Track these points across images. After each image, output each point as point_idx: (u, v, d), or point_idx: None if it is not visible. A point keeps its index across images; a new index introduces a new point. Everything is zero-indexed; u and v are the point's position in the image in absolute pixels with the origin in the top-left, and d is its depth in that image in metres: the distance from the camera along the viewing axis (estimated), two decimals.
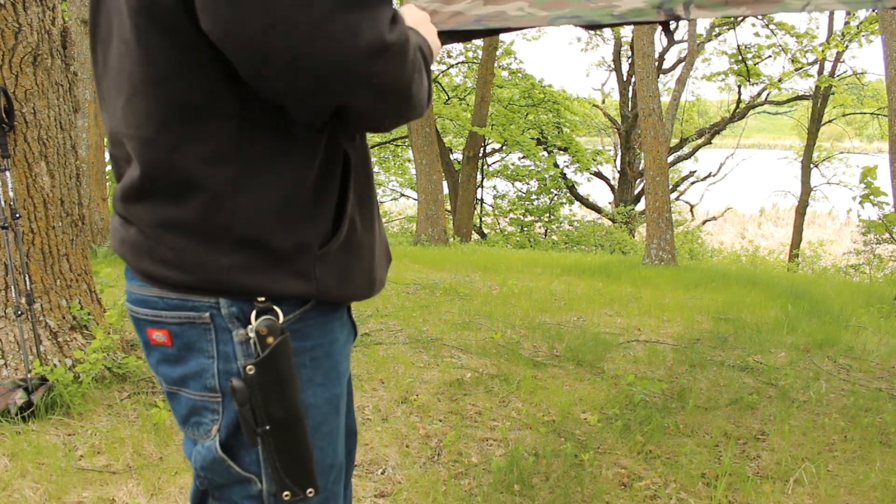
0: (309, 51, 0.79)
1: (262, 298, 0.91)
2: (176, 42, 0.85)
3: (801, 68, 16.02)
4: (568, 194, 19.18)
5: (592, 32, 18.86)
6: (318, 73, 0.81)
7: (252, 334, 0.90)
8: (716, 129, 18.76)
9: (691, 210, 20.74)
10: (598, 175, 20.01)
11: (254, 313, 0.91)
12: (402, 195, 21.17)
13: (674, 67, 18.99)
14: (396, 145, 19.90)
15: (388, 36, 0.82)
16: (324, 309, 0.98)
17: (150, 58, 0.87)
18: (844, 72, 17.12)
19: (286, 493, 0.95)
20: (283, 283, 0.92)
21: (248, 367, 0.90)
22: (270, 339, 0.90)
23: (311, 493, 0.96)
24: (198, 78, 0.86)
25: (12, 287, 2.81)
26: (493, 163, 19.81)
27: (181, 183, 0.89)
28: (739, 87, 17.52)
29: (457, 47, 17.69)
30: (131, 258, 0.96)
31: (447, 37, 1.39)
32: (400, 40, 0.84)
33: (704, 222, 20.46)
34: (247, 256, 0.90)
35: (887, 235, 7.13)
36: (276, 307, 0.92)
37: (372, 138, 18.39)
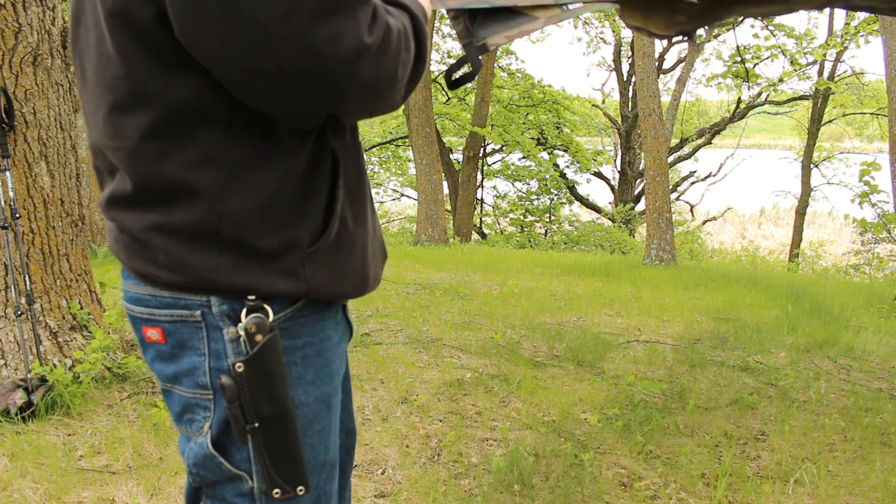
0: (293, 64, 0.80)
1: (253, 297, 0.92)
2: (157, 55, 0.85)
3: (799, 69, 16.02)
4: (568, 194, 19.18)
5: (594, 33, 18.84)
6: (304, 84, 0.82)
7: (242, 332, 0.91)
8: (716, 130, 18.76)
9: (691, 210, 20.74)
10: (599, 175, 20.01)
11: (244, 311, 0.92)
12: (403, 195, 21.18)
13: (674, 67, 18.99)
14: (396, 145, 19.90)
15: (367, 38, 0.83)
16: (316, 307, 0.99)
17: (132, 71, 0.87)
18: (844, 72, 17.12)
19: (276, 490, 0.95)
20: (273, 282, 0.92)
21: (237, 364, 0.90)
22: (259, 337, 0.91)
23: (301, 491, 0.97)
24: (182, 88, 0.86)
25: (12, 287, 2.81)
26: (494, 163, 19.82)
27: (169, 189, 0.89)
28: (741, 87, 17.52)
29: (456, 47, 17.68)
30: (125, 258, 0.97)
31: (504, 23, 1.32)
32: (380, 37, 0.85)
33: (704, 222, 20.48)
34: (236, 257, 0.91)
35: (886, 235, 7.11)
36: (266, 305, 0.93)
37: (372, 139, 18.40)
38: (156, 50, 0.85)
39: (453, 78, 1.26)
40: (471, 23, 1.28)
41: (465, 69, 1.26)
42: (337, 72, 0.82)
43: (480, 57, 1.28)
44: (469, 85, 18.09)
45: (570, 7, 1.37)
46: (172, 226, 0.90)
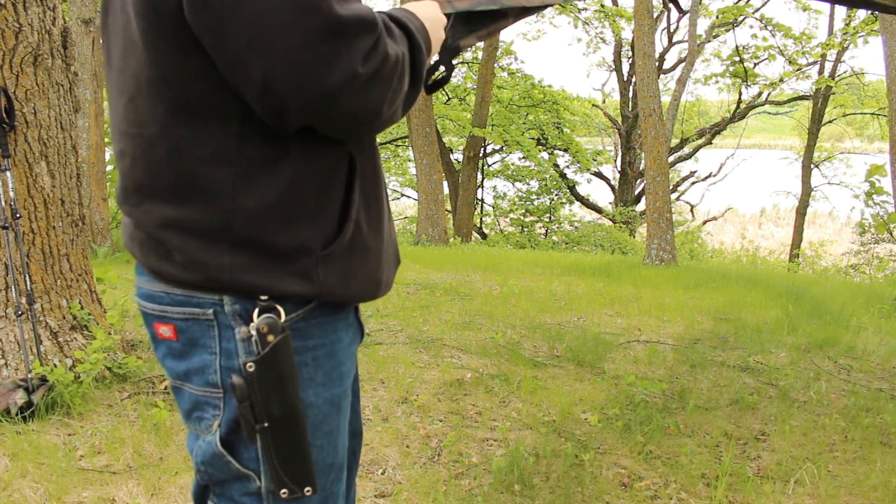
0: (281, 76, 0.81)
1: (265, 297, 0.92)
2: (181, 43, 0.86)
3: (799, 69, 16.02)
4: (568, 194, 19.18)
5: (595, 33, 18.83)
6: (286, 97, 0.83)
7: (253, 332, 0.91)
8: (716, 130, 18.75)
9: (692, 210, 20.73)
10: (599, 175, 20.01)
11: (256, 311, 0.92)
12: (403, 195, 21.17)
13: (674, 68, 18.99)
14: (397, 145, 19.90)
15: (360, 68, 0.83)
16: (328, 309, 0.99)
17: (155, 59, 0.88)
18: (844, 72, 17.13)
19: (284, 490, 0.96)
20: (285, 283, 0.92)
21: (248, 364, 0.90)
22: (271, 338, 0.91)
23: (308, 491, 0.97)
24: (201, 79, 0.87)
25: (12, 287, 2.81)
26: (494, 163, 19.81)
27: (182, 183, 0.90)
28: (740, 87, 17.54)
29: None
30: (139, 254, 0.98)
31: (475, 24, 1.34)
32: (374, 67, 0.85)
33: (705, 222, 20.47)
34: (247, 256, 0.91)
35: (887, 235, 7.11)
36: (278, 306, 0.93)
37: None
38: (180, 39, 0.85)
39: (430, 82, 1.30)
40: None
41: (440, 72, 1.29)
42: (321, 95, 0.83)
43: (454, 60, 1.31)
44: (470, 85, 18.11)
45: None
46: (185, 223, 0.91)
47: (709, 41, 16.98)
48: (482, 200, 19.15)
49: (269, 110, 0.85)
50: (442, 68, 1.26)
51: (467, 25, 1.34)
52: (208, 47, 0.84)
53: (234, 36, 0.80)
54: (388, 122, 0.94)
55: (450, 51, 1.29)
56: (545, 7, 1.44)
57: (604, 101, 21.47)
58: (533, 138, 17.63)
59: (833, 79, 16.50)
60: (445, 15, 1.22)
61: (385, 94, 0.88)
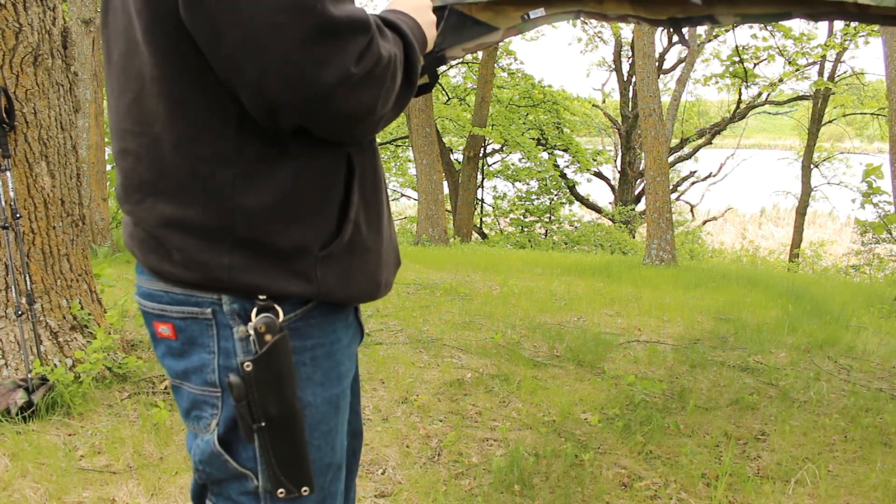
0: (274, 76, 0.81)
1: (264, 296, 0.92)
2: (181, 42, 0.86)
3: (798, 70, 16.00)
4: (568, 194, 19.18)
5: (593, 32, 18.82)
6: (279, 97, 0.83)
7: (251, 331, 0.91)
8: (716, 130, 18.75)
9: (692, 210, 20.73)
10: (599, 175, 20.01)
11: (254, 311, 0.92)
12: (403, 195, 21.17)
13: (674, 67, 18.98)
14: (397, 145, 19.90)
15: (353, 68, 0.83)
16: (326, 309, 0.99)
17: (157, 58, 0.88)
18: (845, 72, 17.12)
19: (281, 490, 0.96)
20: (283, 283, 0.92)
21: (246, 363, 0.91)
22: (268, 337, 0.91)
23: (305, 491, 0.97)
24: (201, 79, 0.87)
25: (13, 287, 2.81)
26: (494, 163, 19.82)
27: (184, 182, 0.90)
28: (740, 87, 17.53)
29: None
30: (139, 253, 0.98)
31: (465, 35, 1.34)
32: (368, 68, 0.85)
33: (705, 222, 20.47)
34: (247, 256, 0.91)
35: (886, 235, 7.11)
36: (277, 306, 0.93)
37: None
38: (179, 38, 0.86)
39: None
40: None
41: (424, 79, 1.29)
42: (314, 96, 0.83)
43: (439, 69, 1.32)
44: (470, 85, 18.12)
45: (532, 16, 1.39)
46: (186, 222, 0.91)
47: (709, 41, 16.97)
48: (482, 200, 19.15)
49: (262, 110, 0.85)
50: (426, 77, 1.26)
51: (457, 36, 1.34)
52: (203, 46, 0.84)
53: (228, 35, 0.81)
54: (381, 122, 0.94)
55: (435, 59, 1.29)
56: (537, 25, 1.44)
57: (604, 101, 21.46)
58: (533, 138, 17.64)
59: (833, 79, 16.48)
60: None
61: (378, 93, 0.88)
